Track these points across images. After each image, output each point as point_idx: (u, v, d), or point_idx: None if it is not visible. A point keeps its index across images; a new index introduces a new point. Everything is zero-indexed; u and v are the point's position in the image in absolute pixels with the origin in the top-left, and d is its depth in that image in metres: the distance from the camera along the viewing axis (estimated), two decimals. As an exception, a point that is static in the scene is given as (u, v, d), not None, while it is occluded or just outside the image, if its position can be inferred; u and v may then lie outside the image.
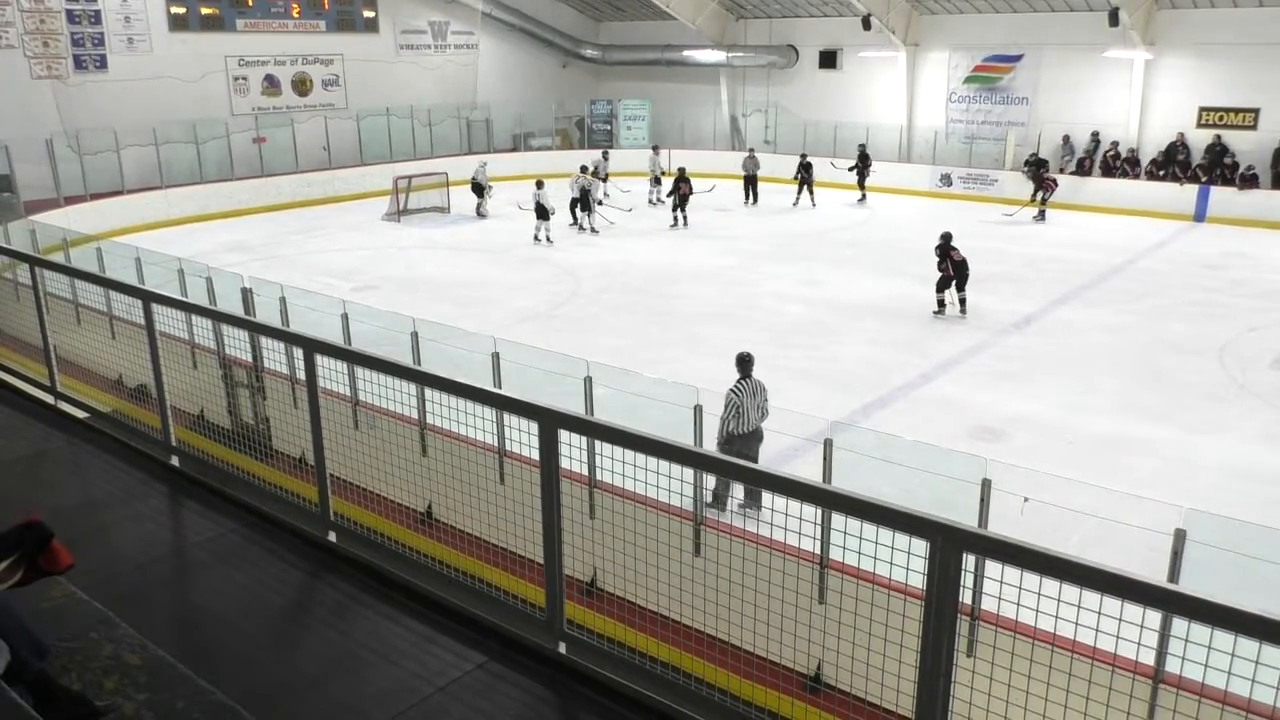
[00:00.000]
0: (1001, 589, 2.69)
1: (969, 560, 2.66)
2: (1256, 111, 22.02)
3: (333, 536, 4.72)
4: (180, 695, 3.02)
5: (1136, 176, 23.47)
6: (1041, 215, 22.42)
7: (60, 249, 13.05)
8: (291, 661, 3.93)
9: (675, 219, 21.73)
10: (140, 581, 4.44)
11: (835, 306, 15.48)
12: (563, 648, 3.79)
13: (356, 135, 26.76)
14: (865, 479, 5.73)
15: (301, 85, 27.11)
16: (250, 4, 25.67)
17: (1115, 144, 23.89)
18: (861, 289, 16.50)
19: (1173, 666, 3.54)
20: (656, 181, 24.71)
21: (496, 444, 5.42)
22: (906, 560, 2.88)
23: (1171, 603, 2.36)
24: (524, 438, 3.79)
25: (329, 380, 4.68)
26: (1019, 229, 21.65)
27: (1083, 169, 24.26)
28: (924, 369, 12.56)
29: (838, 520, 3.08)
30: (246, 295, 8.70)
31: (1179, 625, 2.46)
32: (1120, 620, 2.49)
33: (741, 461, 3.31)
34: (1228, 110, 22.40)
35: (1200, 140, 22.78)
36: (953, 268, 14.67)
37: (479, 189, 23.30)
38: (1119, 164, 23.75)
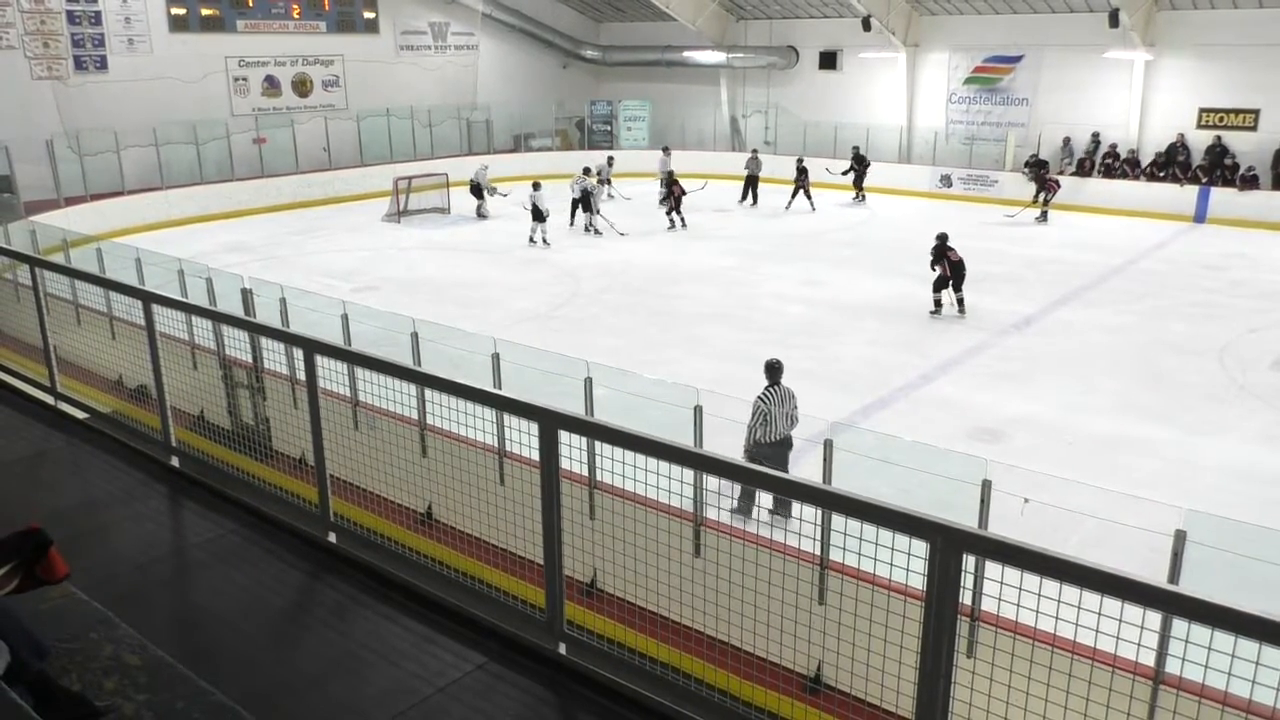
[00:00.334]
0: (1001, 590, 2.69)
1: (969, 561, 2.65)
2: (1257, 112, 22.03)
3: (333, 537, 4.71)
4: (180, 695, 3.01)
5: (1136, 177, 23.47)
6: (1044, 216, 22.41)
7: (60, 249, 13.05)
8: (291, 662, 3.93)
9: (672, 222, 21.74)
10: (140, 582, 4.44)
11: (835, 307, 15.48)
12: (563, 648, 3.79)
13: (357, 136, 26.76)
14: (865, 480, 5.73)
15: (302, 86, 27.10)
16: (250, 5, 25.67)
17: (1115, 145, 23.90)
18: (862, 289, 16.50)
19: (1173, 667, 3.53)
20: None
21: (496, 444, 5.41)
22: (906, 561, 2.87)
23: (1171, 603, 2.36)
24: (524, 438, 3.78)
25: (329, 381, 4.67)
26: (1019, 230, 21.66)
27: (1083, 170, 24.26)
28: (924, 369, 12.56)
29: (838, 521, 3.08)
30: (246, 296, 8.69)
31: (1179, 626, 2.46)
32: (1120, 621, 2.48)
33: (741, 462, 3.31)
34: (1228, 111, 22.41)
35: (1200, 141, 22.79)
36: (950, 268, 14.69)
37: (478, 190, 23.29)
38: (1119, 165, 23.76)
